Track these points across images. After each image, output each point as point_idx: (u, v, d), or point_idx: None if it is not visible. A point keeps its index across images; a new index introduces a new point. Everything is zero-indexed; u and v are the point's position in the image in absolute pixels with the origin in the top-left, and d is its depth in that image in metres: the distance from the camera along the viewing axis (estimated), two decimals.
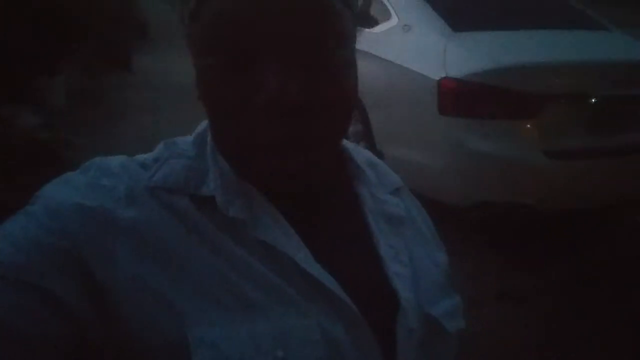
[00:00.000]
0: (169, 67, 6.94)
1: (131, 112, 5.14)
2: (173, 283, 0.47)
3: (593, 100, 2.66)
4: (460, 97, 2.62)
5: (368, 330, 0.51)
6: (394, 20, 3.16)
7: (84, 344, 0.44)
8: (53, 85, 4.55)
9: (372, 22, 3.32)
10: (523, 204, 2.66)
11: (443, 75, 2.64)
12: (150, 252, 0.47)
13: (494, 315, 2.28)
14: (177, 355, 0.45)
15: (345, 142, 0.63)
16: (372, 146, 3.10)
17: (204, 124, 0.57)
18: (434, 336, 0.56)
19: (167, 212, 0.49)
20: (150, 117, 4.74)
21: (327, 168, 0.54)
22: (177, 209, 0.50)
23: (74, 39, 4.58)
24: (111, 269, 0.46)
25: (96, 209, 0.47)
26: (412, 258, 0.59)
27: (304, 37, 0.45)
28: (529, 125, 2.60)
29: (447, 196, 2.73)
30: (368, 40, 3.23)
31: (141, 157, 0.54)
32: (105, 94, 5.90)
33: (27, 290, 0.43)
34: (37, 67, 4.06)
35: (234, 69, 0.46)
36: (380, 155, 3.01)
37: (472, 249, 2.74)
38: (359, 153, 0.64)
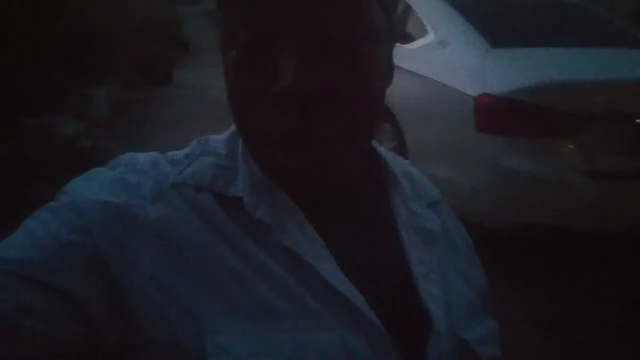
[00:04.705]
0: (207, 82, 7.08)
1: (169, 124, 5.24)
2: (192, 286, 0.45)
3: (636, 120, 2.57)
4: (497, 114, 2.56)
5: (394, 350, 0.48)
6: (430, 36, 3.14)
7: (97, 344, 0.43)
8: (96, 96, 4.70)
9: (408, 39, 3.31)
10: (562, 226, 2.57)
11: (480, 91, 2.60)
12: (171, 253, 0.46)
13: (523, 342, 2.20)
14: None
15: (382, 150, 0.61)
16: None
17: None
18: None
19: (191, 210, 0.48)
20: (188, 129, 4.82)
21: (351, 169, 0.52)
22: (202, 208, 0.48)
23: (115, 53, 4.73)
24: (130, 268, 0.45)
25: (120, 206, 0.46)
26: (445, 277, 0.56)
27: (324, 24, 0.44)
28: (569, 145, 2.52)
29: (482, 217, 2.66)
30: (404, 56, 3.22)
31: (172, 153, 0.54)
32: (146, 106, 6.05)
33: (42, 289, 0.42)
34: (80, 78, 4.21)
35: (251, 58, 0.45)
36: None
37: (497, 274, 2.68)
38: (396, 162, 0.62)
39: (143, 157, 0.52)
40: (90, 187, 0.48)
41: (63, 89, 4.14)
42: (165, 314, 0.44)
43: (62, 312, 0.42)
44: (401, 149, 3.10)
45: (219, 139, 0.55)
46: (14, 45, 3.33)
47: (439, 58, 3.01)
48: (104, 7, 4.60)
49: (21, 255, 0.42)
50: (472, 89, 2.63)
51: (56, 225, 0.44)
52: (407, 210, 0.57)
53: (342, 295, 0.47)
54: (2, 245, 0.44)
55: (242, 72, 0.45)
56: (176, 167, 0.51)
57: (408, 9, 3.39)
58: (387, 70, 0.52)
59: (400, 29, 3.42)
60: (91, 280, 0.43)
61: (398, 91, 3.22)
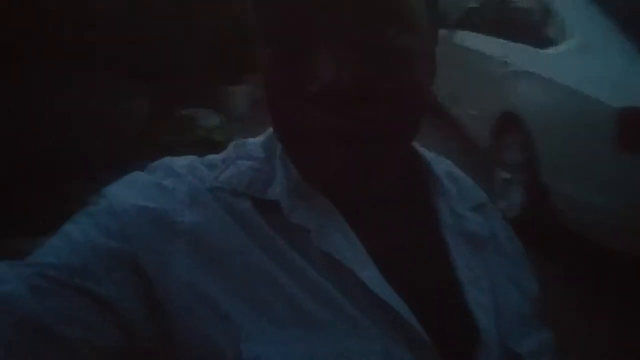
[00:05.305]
0: None
1: None
2: (229, 293, 0.44)
3: None
4: None
5: None
6: (572, 41, 2.84)
7: (133, 350, 0.43)
8: (237, 93, 5.04)
9: (546, 42, 3.03)
10: None
11: (626, 104, 2.29)
12: (207, 259, 0.45)
13: None
14: None
15: (424, 151, 0.58)
16: (534, 178, 2.81)
17: None
18: None
19: (228, 215, 0.47)
20: None
21: (391, 170, 0.49)
22: (238, 212, 0.47)
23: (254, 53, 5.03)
24: (166, 274, 0.44)
25: (156, 211, 0.46)
26: (494, 284, 0.52)
27: (362, 20, 0.41)
28: None
29: (628, 246, 2.36)
30: (541, 61, 2.97)
31: (210, 157, 0.53)
32: None
33: (79, 295, 0.41)
34: (225, 76, 4.57)
35: (288, 56, 0.44)
36: (544, 189, 2.73)
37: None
38: (439, 163, 0.58)
39: (180, 162, 0.51)
40: (128, 191, 0.48)
41: (210, 85, 4.53)
42: (201, 321, 0.43)
43: (98, 318, 0.42)
44: (530, 162, 2.86)
45: (256, 142, 0.54)
46: (174, 50, 3.78)
47: (580, 65, 2.71)
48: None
49: (59, 261, 0.42)
50: (616, 101, 2.33)
51: (94, 230, 0.45)
52: (452, 213, 0.54)
53: (384, 303, 0.45)
54: (41, 249, 0.44)
55: (278, 71, 0.44)
56: (213, 171, 0.50)
57: (548, 12, 3.12)
58: (430, 65, 0.48)
59: (537, 32, 3.15)
60: (128, 286, 0.43)
61: (531, 98, 2.99)
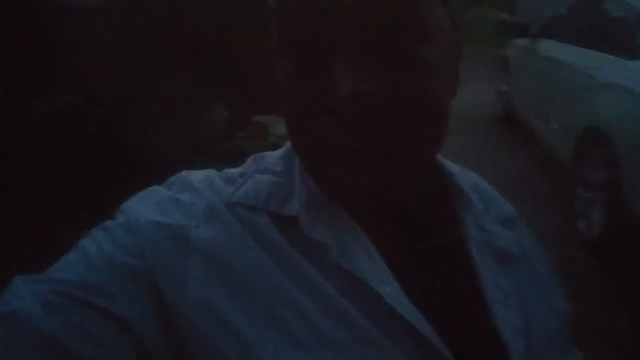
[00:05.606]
0: None
1: None
2: (245, 311, 0.43)
3: None
4: None
5: None
6: None
7: None
8: None
9: (634, 53, 2.84)
10: None
11: None
12: (223, 276, 0.44)
13: None
14: None
15: (449, 163, 0.56)
16: (618, 199, 2.63)
17: None
18: None
19: (245, 231, 0.47)
20: None
21: (414, 185, 0.48)
22: (256, 228, 0.47)
23: None
24: (181, 291, 0.43)
25: (172, 227, 0.45)
26: (524, 303, 0.51)
27: (380, 31, 0.41)
28: None
29: None
30: (631, 73, 2.77)
31: (228, 171, 0.53)
32: None
33: (94, 311, 0.41)
34: None
35: (305, 69, 0.43)
36: (628, 210, 2.54)
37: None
38: (465, 176, 0.56)
39: (198, 176, 0.51)
40: (145, 206, 0.48)
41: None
42: (216, 340, 0.42)
43: (112, 334, 0.41)
44: (614, 182, 2.68)
45: (274, 156, 0.53)
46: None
47: None
48: None
49: (74, 277, 0.42)
50: None
51: (110, 245, 0.44)
52: (478, 228, 0.53)
53: (407, 323, 0.44)
54: (56, 265, 0.44)
55: (296, 83, 0.44)
56: (231, 185, 0.50)
57: (638, 18, 2.91)
58: (452, 77, 0.47)
59: (625, 42, 2.95)
60: (142, 302, 0.43)
61: (619, 113, 2.80)
